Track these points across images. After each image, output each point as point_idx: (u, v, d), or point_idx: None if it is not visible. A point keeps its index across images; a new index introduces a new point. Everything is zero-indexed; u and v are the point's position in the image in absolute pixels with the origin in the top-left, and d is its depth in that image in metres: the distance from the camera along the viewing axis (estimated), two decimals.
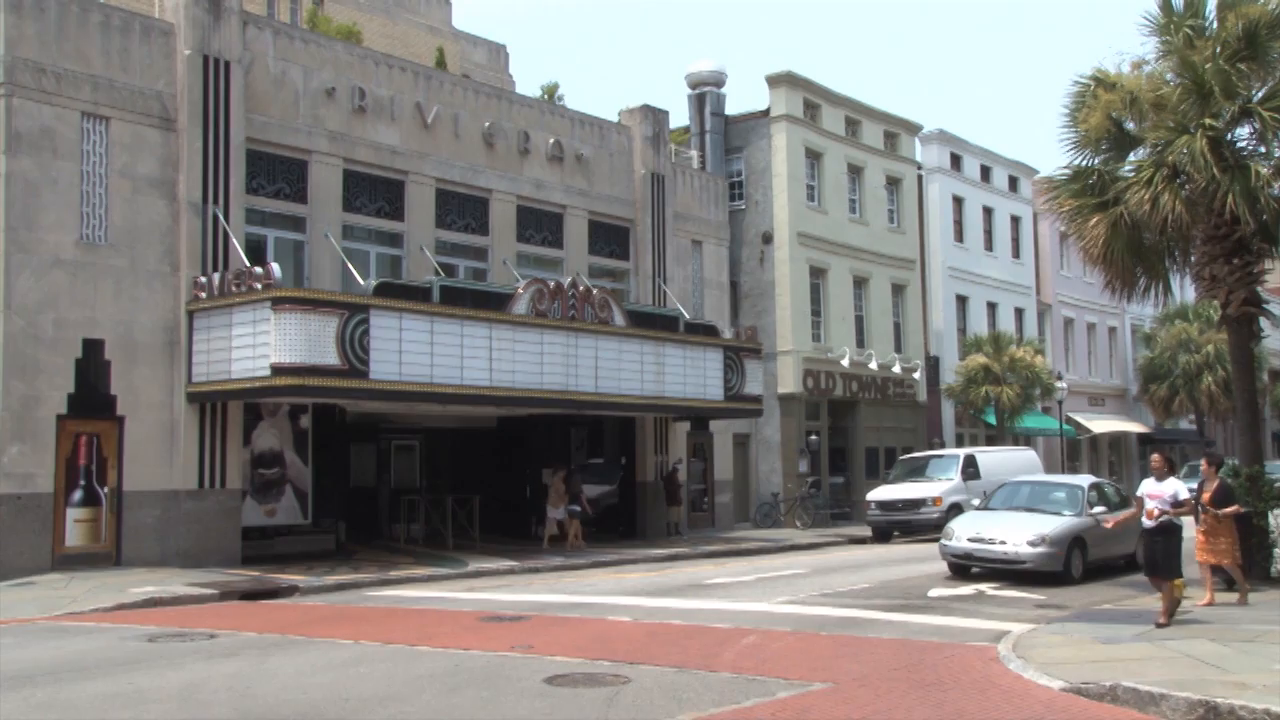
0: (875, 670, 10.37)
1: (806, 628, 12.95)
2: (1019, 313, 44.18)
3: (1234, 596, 14.75)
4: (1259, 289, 17.04)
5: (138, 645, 11.90)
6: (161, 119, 19.78)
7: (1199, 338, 44.20)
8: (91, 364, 18.70)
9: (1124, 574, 18.59)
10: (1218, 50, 16.16)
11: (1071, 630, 12.13)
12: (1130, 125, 17.62)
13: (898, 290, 37.89)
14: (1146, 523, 12.51)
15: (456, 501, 24.69)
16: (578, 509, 24.91)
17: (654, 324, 24.49)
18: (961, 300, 41.35)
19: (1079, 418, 45.37)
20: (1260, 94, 16.37)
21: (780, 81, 33.93)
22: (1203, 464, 14.40)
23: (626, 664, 10.46)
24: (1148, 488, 12.65)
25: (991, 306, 42.65)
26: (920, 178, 39.66)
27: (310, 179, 21.92)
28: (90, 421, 18.70)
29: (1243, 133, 16.96)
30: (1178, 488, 12.37)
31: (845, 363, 34.40)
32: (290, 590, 16.92)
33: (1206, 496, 13.77)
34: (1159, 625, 11.90)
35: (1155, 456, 13.02)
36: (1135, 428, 49.05)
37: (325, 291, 19.68)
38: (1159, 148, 16.49)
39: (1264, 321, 17.67)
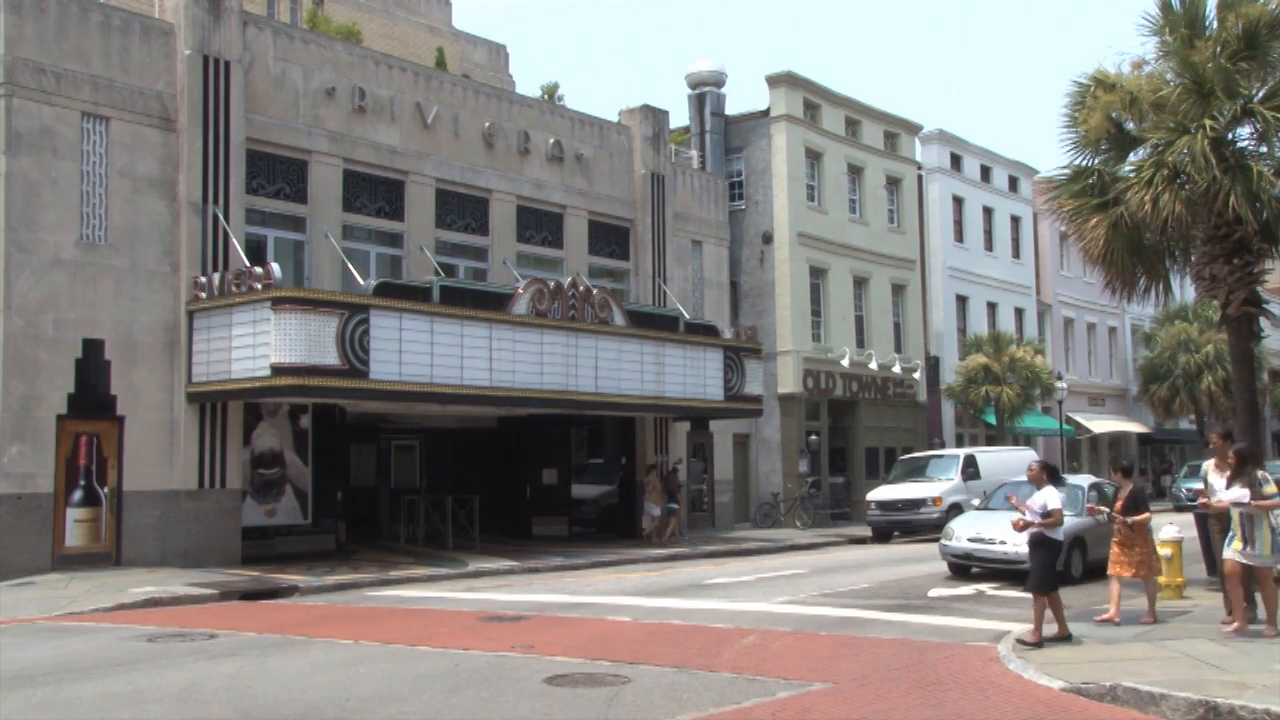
0: (875, 670, 10.37)
1: (806, 628, 12.95)
2: (1019, 313, 44.19)
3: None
4: (1259, 289, 17.01)
5: (137, 645, 11.90)
6: (161, 119, 19.78)
7: (1199, 338, 44.20)
8: (91, 364, 18.70)
9: None
10: (1218, 50, 16.13)
11: (1071, 630, 12.12)
12: (1130, 125, 17.59)
13: (898, 290, 37.90)
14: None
15: (456, 501, 24.69)
16: (675, 506, 26.09)
17: (654, 324, 24.49)
18: (961, 300, 41.36)
19: (1079, 418, 45.38)
20: (1261, 93, 16.35)
21: (780, 81, 33.94)
22: (1113, 472, 13.73)
23: (626, 664, 10.47)
24: (1031, 499, 11.91)
25: (991, 306, 42.66)
26: (920, 178, 39.67)
27: (310, 179, 21.92)
28: (90, 421, 18.70)
29: (1244, 133, 16.93)
30: (1048, 498, 11.58)
31: (845, 363, 34.41)
32: (290, 590, 16.92)
33: (1119, 505, 13.10)
34: (1029, 644, 11.06)
35: (1031, 465, 12.33)
36: (1135, 428, 49.06)
37: (325, 291, 19.68)
38: (1159, 148, 16.47)
39: (1264, 321, 17.65)
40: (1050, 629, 11.37)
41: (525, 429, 27.08)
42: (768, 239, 33.57)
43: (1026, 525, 11.67)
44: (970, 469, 28.34)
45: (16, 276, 17.95)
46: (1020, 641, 11.16)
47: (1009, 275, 43.91)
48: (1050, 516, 11.47)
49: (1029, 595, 15.75)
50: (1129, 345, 51.38)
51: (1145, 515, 12.91)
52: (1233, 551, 11.27)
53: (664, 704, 8.86)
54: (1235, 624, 11.26)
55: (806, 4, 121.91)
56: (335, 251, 21.84)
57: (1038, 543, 11.59)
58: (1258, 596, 11.55)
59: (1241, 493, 11.32)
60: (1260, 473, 11.33)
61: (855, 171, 36.46)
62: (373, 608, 15.42)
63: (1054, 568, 11.64)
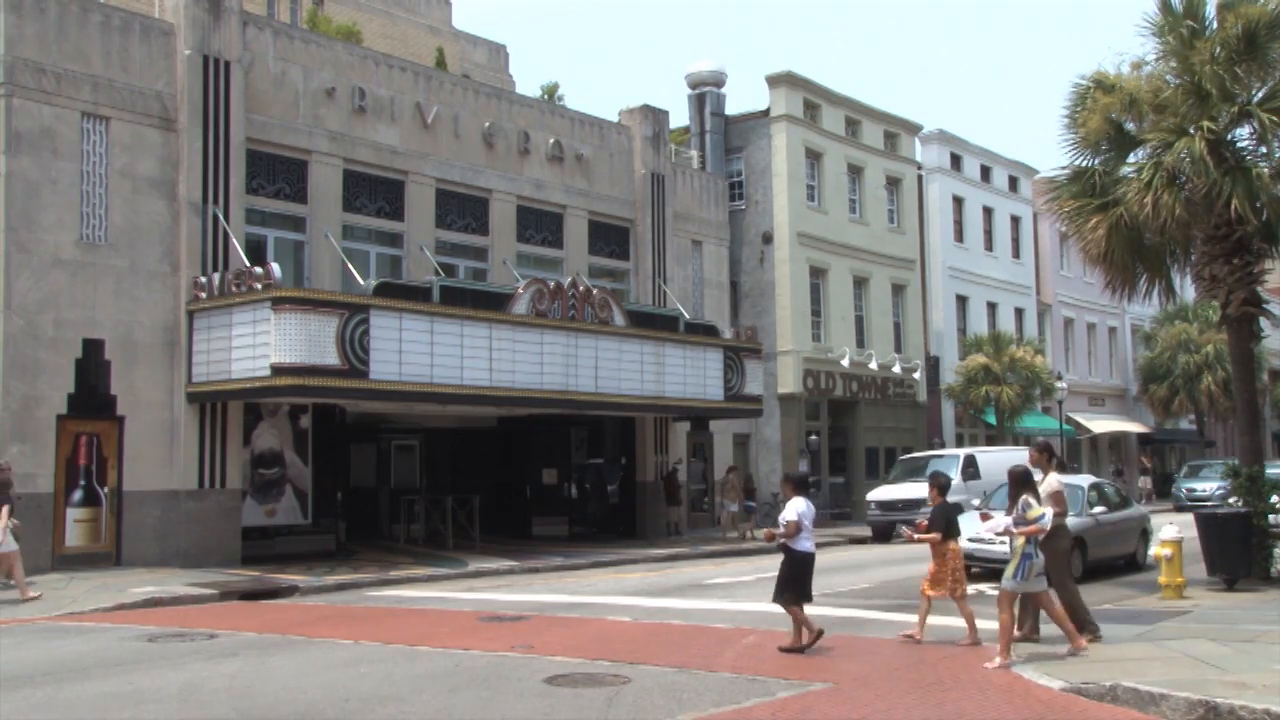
0: (875, 670, 10.38)
1: None
2: (1019, 313, 44.18)
3: (1233, 597, 14.71)
4: (1259, 289, 17.03)
5: (138, 645, 11.90)
6: (161, 119, 19.78)
7: (1199, 338, 44.23)
8: (91, 364, 18.70)
9: (1124, 574, 18.59)
10: (1217, 51, 16.12)
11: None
12: (1130, 126, 17.60)
13: (898, 290, 37.90)
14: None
15: (456, 501, 24.69)
16: (753, 505, 28.17)
17: (654, 324, 24.49)
18: (961, 300, 41.36)
19: (1079, 418, 45.38)
20: (1260, 94, 16.34)
21: (780, 81, 33.94)
22: (930, 488, 13.00)
23: (626, 664, 10.46)
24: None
25: (991, 306, 42.66)
26: (920, 178, 39.67)
27: (310, 179, 21.92)
28: (90, 421, 18.70)
29: (1243, 132, 16.94)
30: (787, 510, 11.45)
31: (845, 363, 34.40)
32: (290, 590, 16.92)
33: (924, 522, 12.77)
34: (783, 649, 11.14)
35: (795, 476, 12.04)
36: (1135, 428, 49.05)
37: (325, 291, 19.69)
38: (1158, 149, 16.49)
39: (1264, 321, 17.66)
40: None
41: (525, 429, 27.08)
42: (768, 239, 33.56)
43: (772, 537, 11.56)
44: (970, 469, 28.32)
45: (16, 276, 17.95)
46: (781, 648, 11.14)
47: (1009, 275, 43.90)
48: (786, 529, 11.32)
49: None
50: (1129, 345, 51.38)
51: (934, 536, 12.34)
52: (1004, 578, 10.90)
53: (664, 704, 8.86)
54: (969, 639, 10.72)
55: (806, 4, 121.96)
56: (335, 251, 21.84)
57: (783, 553, 11.44)
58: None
59: (1003, 520, 11.22)
60: (1025, 496, 10.94)
61: (855, 171, 36.45)
62: (373, 608, 15.41)
63: (795, 578, 11.31)
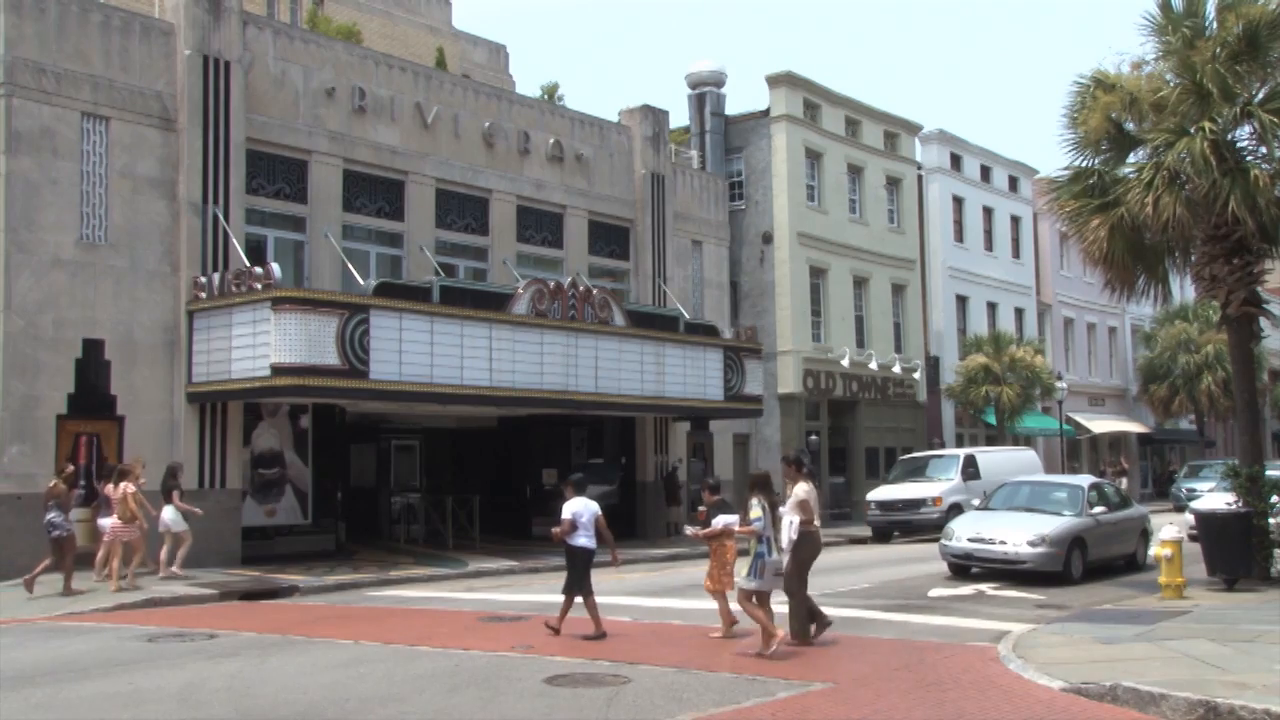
0: (875, 670, 10.38)
1: None
2: (1019, 313, 44.17)
3: (1233, 597, 14.74)
4: (1259, 289, 17.03)
5: (137, 645, 11.90)
6: (161, 119, 19.78)
7: (1199, 338, 44.22)
8: (91, 364, 18.70)
9: (1124, 574, 18.60)
10: (1218, 51, 16.12)
11: (1071, 630, 12.13)
12: (1130, 126, 17.61)
13: (898, 290, 37.89)
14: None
15: (456, 501, 24.68)
16: None
17: (654, 324, 24.49)
18: (961, 300, 41.35)
19: (1079, 418, 45.37)
20: (1261, 95, 16.34)
21: (780, 81, 33.93)
22: (704, 491, 13.22)
23: (626, 664, 10.47)
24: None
25: (991, 306, 42.65)
26: (920, 178, 39.65)
27: (310, 179, 21.92)
28: (90, 421, 18.69)
29: (1244, 132, 16.94)
30: (563, 511, 12.25)
31: (845, 363, 34.40)
32: (290, 590, 16.92)
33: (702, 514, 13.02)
34: (551, 627, 12.10)
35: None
36: (1135, 428, 49.04)
37: (325, 291, 19.69)
38: (1159, 149, 16.48)
39: (1264, 321, 17.66)
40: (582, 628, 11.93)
41: (525, 429, 27.08)
42: (768, 239, 33.55)
43: (556, 535, 12.32)
44: (970, 469, 28.33)
45: (16, 276, 17.95)
46: (547, 624, 12.15)
47: (1009, 275, 43.89)
48: (561, 527, 12.14)
49: (1030, 595, 15.83)
50: (1129, 345, 51.37)
51: (712, 530, 12.55)
52: (740, 578, 11.26)
53: (664, 704, 8.86)
54: (760, 645, 10.89)
55: (806, 4, 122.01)
56: (335, 251, 21.84)
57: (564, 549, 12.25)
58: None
59: (731, 519, 11.89)
60: (754, 499, 11.21)
61: (855, 171, 36.44)
62: (373, 608, 15.42)
63: (569, 571, 12.27)
